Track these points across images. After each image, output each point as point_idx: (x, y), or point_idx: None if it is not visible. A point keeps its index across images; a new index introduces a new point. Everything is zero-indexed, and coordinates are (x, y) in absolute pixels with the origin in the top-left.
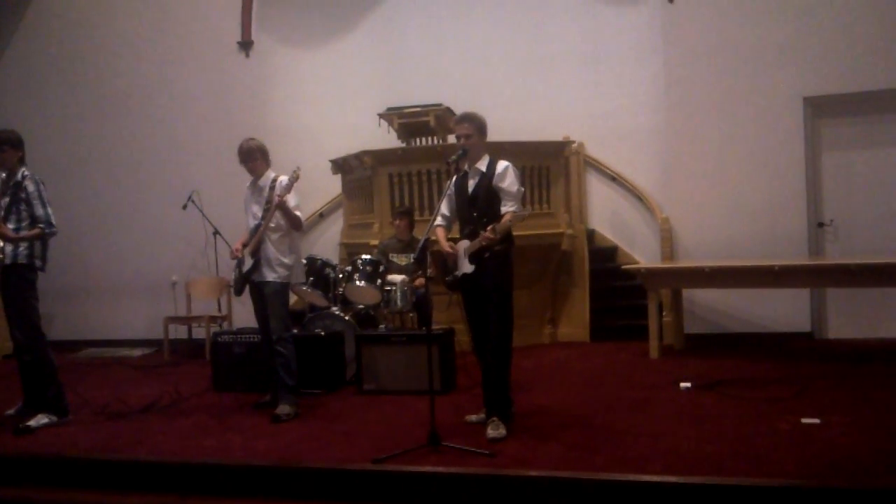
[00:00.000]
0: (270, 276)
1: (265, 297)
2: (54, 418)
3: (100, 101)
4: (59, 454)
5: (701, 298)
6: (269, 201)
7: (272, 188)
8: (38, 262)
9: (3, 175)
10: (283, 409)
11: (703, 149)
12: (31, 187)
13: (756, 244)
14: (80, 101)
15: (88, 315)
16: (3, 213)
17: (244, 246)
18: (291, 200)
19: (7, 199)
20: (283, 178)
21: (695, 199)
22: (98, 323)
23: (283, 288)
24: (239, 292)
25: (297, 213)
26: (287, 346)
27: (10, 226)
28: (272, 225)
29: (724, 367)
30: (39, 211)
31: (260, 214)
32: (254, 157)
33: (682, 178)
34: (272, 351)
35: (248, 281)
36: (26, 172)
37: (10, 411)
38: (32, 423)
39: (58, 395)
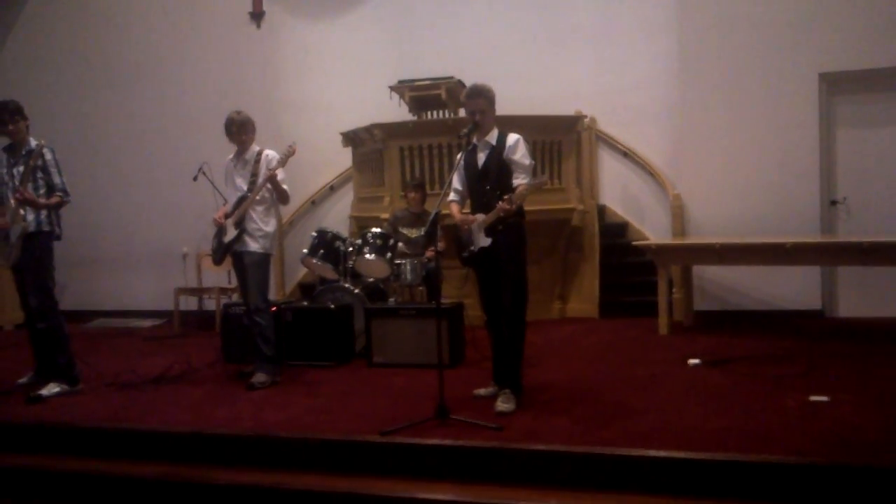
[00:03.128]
0: (253, 245)
1: (246, 266)
2: (66, 387)
3: (110, 72)
4: (71, 423)
5: (711, 275)
6: (254, 174)
7: (257, 161)
8: (57, 230)
9: (6, 147)
10: (259, 377)
11: (716, 125)
12: (48, 156)
13: (768, 221)
14: (91, 72)
15: (99, 285)
16: (18, 181)
17: (227, 217)
18: (280, 174)
19: (21, 168)
20: (270, 152)
21: (706, 176)
22: (109, 293)
23: (265, 258)
24: (218, 262)
25: (285, 186)
26: (264, 316)
27: (40, 192)
28: (258, 197)
29: (733, 344)
30: (56, 179)
31: (245, 187)
32: (248, 129)
33: (695, 154)
34: (251, 321)
35: (228, 251)
36: (42, 142)
37: (22, 380)
38: (44, 391)
39: (69, 364)
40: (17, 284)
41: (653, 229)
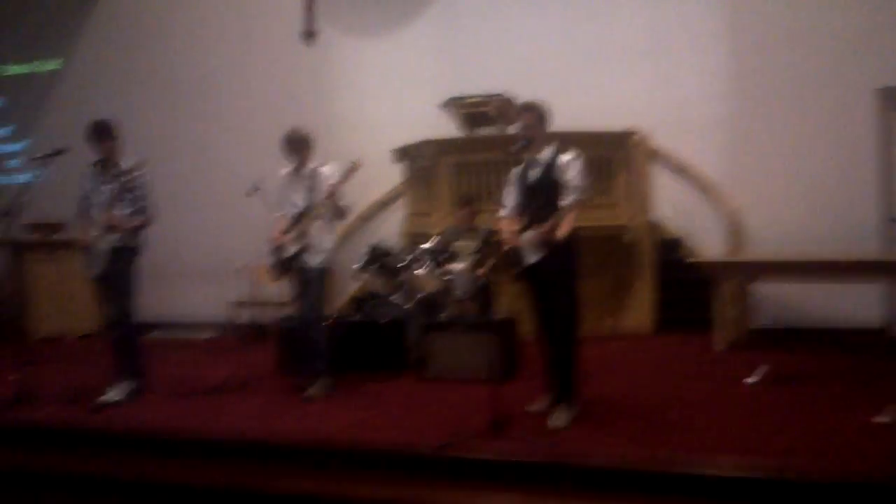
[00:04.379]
0: (313, 261)
1: (305, 281)
2: (133, 389)
3: (168, 91)
4: (135, 430)
5: (768, 292)
6: (311, 190)
7: (315, 177)
8: (140, 247)
9: (97, 163)
10: (314, 390)
11: (772, 139)
12: (143, 179)
13: (826, 237)
14: (150, 91)
15: (157, 298)
16: (110, 199)
17: (284, 233)
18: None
19: (116, 186)
20: (327, 169)
21: (763, 191)
22: (167, 305)
23: (322, 273)
24: (278, 278)
25: (343, 202)
26: (319, 330)
27: (126, 211)
28: (316, 213)
29: (791, 361)
30: (146, 202)
31: (302, 203)
32: (306, 146)
33: (751, 169)
34: (305, 335)
35: (288, 266)
36: (136, 162)
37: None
38: (113, 393)
39: (138, 371)
40: (101, 295)
41: (708, 245)
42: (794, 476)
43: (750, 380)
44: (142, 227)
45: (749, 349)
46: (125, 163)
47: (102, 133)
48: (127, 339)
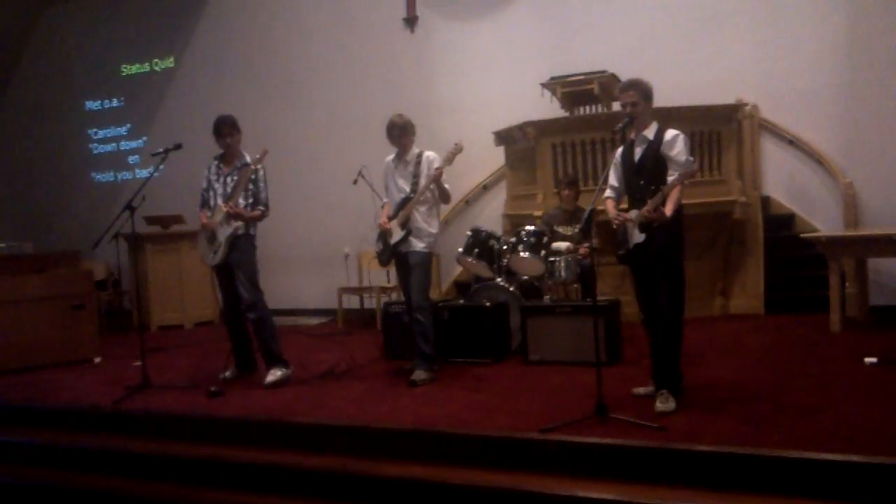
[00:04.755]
0: (418, 245)
1: (410, 266)
2: (286, 370)
3: (273, 82)
4: (245, 416)
5: (887, 268)
6: (416, 175)
7: (418, 163)
8: (256, 236)
9: (219, 156)
10: (419, 374)
11: (890, 108)
12: (261, 172)
13: None
14: (258, 84)
15: (268, 285)
16: (230, 190)
17: (389, 219)
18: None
19: (234, 178)
20: (430, 153)
21: (881, 162)
22: (277, 293)
23: (428, 257)
24: (385, 263)
25: (447, 185)
26: (425, 315)
27: (241, 202)
28: (421, 198)
29: None
30: (263, 195)
31: (408, 188)
32: (409, 132)
33: (867, 139)
34: (412, 319)
35: (395, 252)
36: (257, 157)
37: (225, 374)
38: (270, 378)
39: (279, 349)
40: (221, 282)
41: (822, 220)
42: None
43: (869, 360)
44: (260, 217)
45: (867, 329)
46: (246, 156)
47: (224, 128)
48: (263, 322)
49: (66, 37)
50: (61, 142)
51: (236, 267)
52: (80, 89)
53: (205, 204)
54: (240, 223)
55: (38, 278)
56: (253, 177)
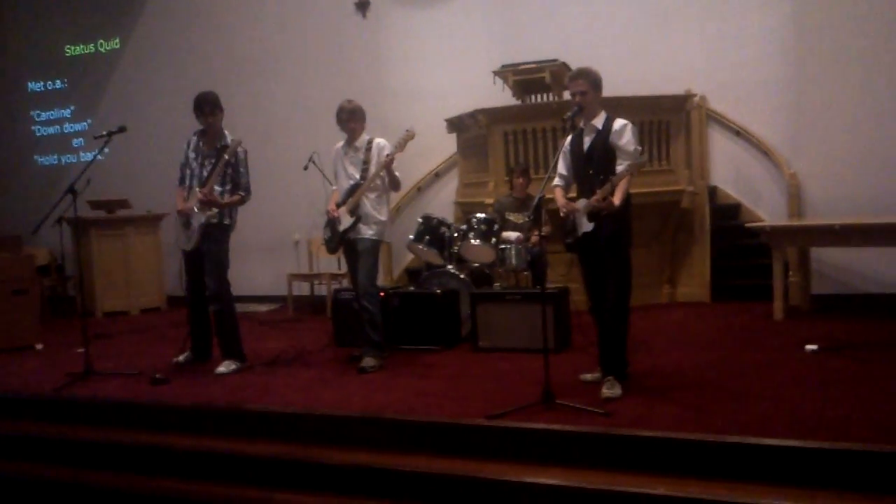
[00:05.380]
0: (367, 232)
1: (358, 253)
2: (240, 364)
3: (222, 64)
4: (190, 403)
5: (829, 258)
6: (366, 162)
7: (369, 149)
8: (234, 224)
9: (199, 132)
10: (368, 361)
11: (836, 100)
12: (240, 154)
13: (889, 200)
14: (206, 67)
15: None
16: (207, 175)
17: (338, 206)
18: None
19: (213, 161)
20: (381, 140)
21: (825, 154)
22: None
23: (377, 245)
24: (333, 251)
25: (397, 173)
26: (373, 301)
27: (217, 188)
28: (371, 185)
29: (852, 329)
30: (243, 179)
31: (357, 175)
32: (359, 117)
33: (812, 131)
34: (360, 306)
35: (343, 239)
36: (238, 139)
37: (178, 358)
38: (223, 368)
39: (240, 343)
40: (188, 268)
41: (767, 210)
42: (852, 447)
43: (809, 348)
44: (239, 203)
45: (809, 317)
46: (227, 137)
47: (206, 106)
48: (226, 314)
49: (7, 15)
50: (2, 123)
51: (206, 256)
52: (22, 70)
53: (182, 180)
54: (214, 210)
55: None
56: (233, 160)
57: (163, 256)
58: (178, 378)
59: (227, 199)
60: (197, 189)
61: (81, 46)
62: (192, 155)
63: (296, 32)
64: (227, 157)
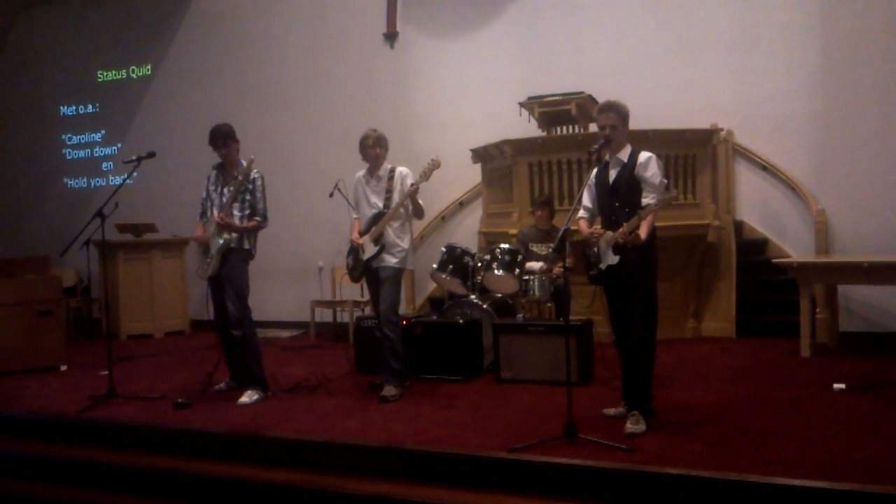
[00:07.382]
0: (391, 261)
1: (381, 281)
2: (262, 394)
3: (251, 92)
4: (210, 429)
5: (857, 294)
6: (388, 190)
7: (391, 178)
8: (252, 251)
9: (217, 165)
10: (389, 390)
11: (864, 136)
12: (258, 182)
13: None
14: (235, 94)
15: None
16: (225, 200)
17: (361, 234)
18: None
19: (231, 189)
20: (404, 169)
21: (853, 190)
22: (250, 305)
23: (399, 273)
24: (357, 279)
25: (420, 201)
26: (394, 330)
27: (236, 213)
28: (395, 213)
29: (881, 368)
30: (260, 205)
31: (381, 203)
32: (383, 146)
33: (840, 167)
34: (381, 334)
35: (366, 268)
36: (255, 169)
37: (220, 386)
38: (245, 399)
39: (262, 370)
40: (213, 294)
41: (794, 246)
42: (881, 490)
43: (837, 387)
44: (256, 229)
45: (836, 355)
46: (242, 166)
47: (218, 139)
48: (247, 340)
49: (42, 40)
50: (34, 146)
51: (226, 281)
52: (55, 94)
53: (203, 214)
54: (232, 235)
55: (6, 283)
56: (250, 186)
57: (187, 280)
58: (200, 403)
59: (244, 223)
60: (214, 215)
61: (114, 72)
62: (212, 188)
63: (325, 61)
64: (239, 176)
